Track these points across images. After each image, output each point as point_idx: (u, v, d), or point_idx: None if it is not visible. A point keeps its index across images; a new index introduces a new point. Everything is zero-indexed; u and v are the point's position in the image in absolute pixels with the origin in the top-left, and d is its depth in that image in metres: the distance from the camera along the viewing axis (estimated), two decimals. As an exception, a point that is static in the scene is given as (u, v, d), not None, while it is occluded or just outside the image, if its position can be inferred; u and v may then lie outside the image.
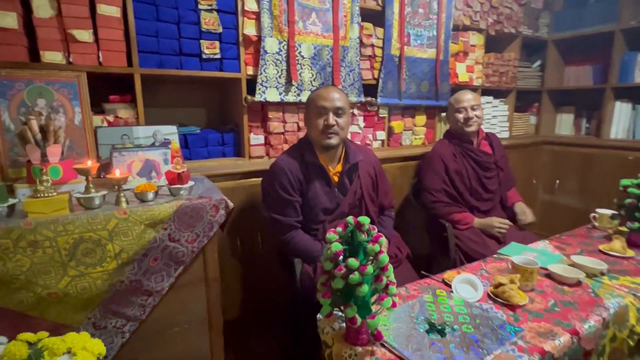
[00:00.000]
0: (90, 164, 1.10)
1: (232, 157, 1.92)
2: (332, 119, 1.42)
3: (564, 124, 3.41)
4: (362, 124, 2.25)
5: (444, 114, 2.62)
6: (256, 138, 1.90)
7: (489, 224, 1.86)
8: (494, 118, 3.00)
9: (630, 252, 1.47)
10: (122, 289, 1.14)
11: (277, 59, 1.85)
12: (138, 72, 1.58)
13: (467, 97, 1.96)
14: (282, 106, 1.94)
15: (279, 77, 1.87)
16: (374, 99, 2.23)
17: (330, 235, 0.87)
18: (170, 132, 1.63)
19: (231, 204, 1.29)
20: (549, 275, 1.28)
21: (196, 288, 1.30)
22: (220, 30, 1.73)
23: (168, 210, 1.16)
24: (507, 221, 1.87)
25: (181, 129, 1.82)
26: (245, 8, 1.75)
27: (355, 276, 0.82)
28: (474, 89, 2.78)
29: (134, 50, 1.56)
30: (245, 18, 1.76)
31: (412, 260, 1.67)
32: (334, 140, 1.44)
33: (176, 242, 1.19)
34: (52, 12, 1.41)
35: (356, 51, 2.10)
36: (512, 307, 1.09)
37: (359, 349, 0.90)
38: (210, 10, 1.70)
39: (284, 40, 1.84)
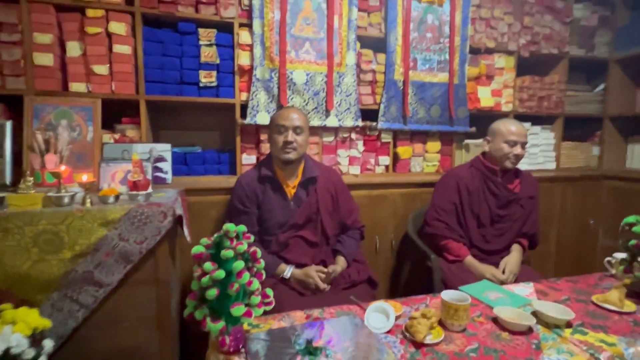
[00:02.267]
0: (63, 168, 1.34)
1: (226, 175, 2.08)
2: (290, 136, 1.53)
3: (637, 157, 2.87)
4: (361, 148, 2.24)
5: (467, 141, 2.45)
6: (248, 158, 2.04)
7: (480, 272, 1.66)
8: (533, 147, 2.68)
9: (630, 306, 1.18)
10: (76, 277, 1.32)
11: (269, 86, 1.99)
12: (143, 98, 1.87)
13: (522, 131, 1.75)
14: (275, 129, 2.06)
15: (270, 102, 2.01)
16: (373, 123, 2.21)
17: (202, 239, 0.92)
18: (164, 149, 1.86)
19: (178, 212, 1.42)
20: (496, 320, 1.11)
21: (147, 287, 1.43)
22: (218, 61, 1.95)
23: (120, 212, 1.34)
24: (502, 278, 1.62)
25: (183, 148, 2.06)
26: (240, 42, 1.95)
27: (205, 279, 0.85)
28: (504, 115, 2.55)
29: (140, 80, 1.85)
30: (240, 50, 1.96)
31: (374, 286, 1.59)
32: (292, 155, 1.54)
33: (125, 241, 1.35)
34: (79, 52, 1.77)
35: (353, 77, 2.13)
36: (417, 344, 0.97)
37: (221, 356, 0.91)
38: (209, 45, 1.94)
39: (275, 68, 1.98)
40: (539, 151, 2.72)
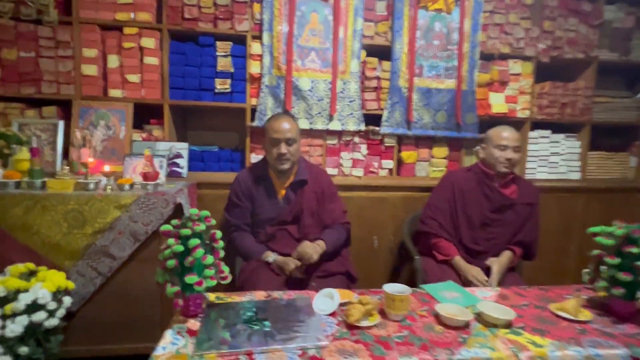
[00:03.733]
0: (91, 160, 1.64)
1: (237, 172, 2.29)
2: (283, 148, 1.62)
3: (682, 169, 2.62)
4: (364, 152, 2.34)
5: (477, 147, 2.43)
6: (256, 157, 2.24)
7: (464, 273, 1.69)
8: (554, 156, 2.57)
9: (587, 315, 1.17)
10: (95, 250, 1.61)
11: (276, 92, 2.18)
12: (167, 102, 2.16)
13: (513, 136, 1.77)
14: (281, 131, 2.25)
15: (277, 107, 2.20)
16: (376, 127, 2.30)
17: (172, 220, 1.12)
18: (182, 147, 2.14)
19: (179, 201, 1.65)
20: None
21: (152, 264, 1.67)
22: (232, 70, 2.18)
23: (131, 198, 1.60)
24: (483, 280, 1.65)
25: (201, 147, 2.32)
26: (251, 52, 2.17)
27: (167, 251, 1.05)
28: (519, 122, 2.50)
29: (165, 87, 2.15)
30: (251, 60, 2.18)
31: (353, 281, 1.69)
32: (286, 166, 1.66)
33: (135, 222, 1.61)
34: (117, 64, 2.11)
35: (357, 84, 2.25)
36: (352, 326, 1.08)
37: (181, 317, 1.10)
38: (225, 56, 2.18)
39: (282, 76, 2.17)
40: (561, 160, 2.60)
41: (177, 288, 1.05)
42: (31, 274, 1.48)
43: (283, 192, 1.72)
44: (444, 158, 2.45)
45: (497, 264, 1.71)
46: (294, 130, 1.66)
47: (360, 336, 1.04)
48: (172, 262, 1.05)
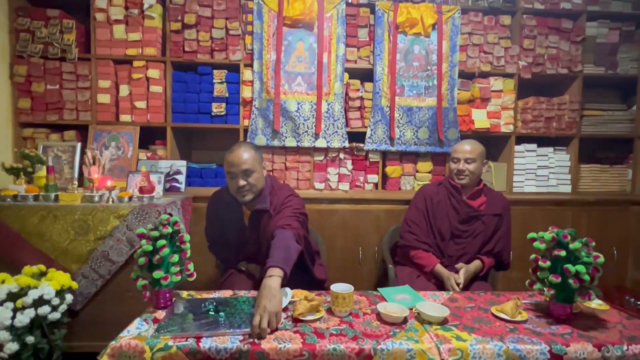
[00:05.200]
0: (96, 176, 1.89)
1: (232, 187, 2.50)
2: (241, 181, 1.54)
3: (680, 181, 2.57)
4: (350, 167, 2.48)
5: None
6: (248, 173, 2.44)
7: (445, 276, 1.77)
8: (542, 169, 2.61)
9: (523, 316, 1.24)
10: (97, 254, 1.83)
11: (265, 113, 2.39)
12: (170, 125, 2.42)
13: (464, 148, 1.88)
14: (272, 149, 2.45)
15: (266, 127, 2.40)
16: (360, 144, 2.45)
17: (148, 225, 1.32)
18: (181, 165, 2.37)
19: (169, 212, 1.86)
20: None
21: (146, 268, 1.89)
22: (227, 95, 2.43)
23: (128, 209, 1.83)
24: (454, 284, 1.73)
25: (201, 165, 2.55)
26: (244, 79, 2.41)
27: (139, 250, 1.24)
28: (503, 137, 2.57)
29: (168, 111, 2.41)
30: (244, 85, 2.41)
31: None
32: (247, 197, 1.58)
33: (131, 230, 1.83)
34: (127, 92, 2.40)
35: (341, 104, 2.42)
36: (297, 319, 1.21)
37: (151, 309, 1.27)
38: (221, 83, 2.43)
39: (271, 99, 2.38)
40: (550, 173, 2.62)
41: (145, 282, 1.23)
42: (42, 274, 1.72)
43: (248, 214, 1.66)
44: (429, 172, 2.54)
45: (464, 267, 1.79)
46: (251, 160, 1.55)
47: (301, 328, 1.16)
48: (142, 260, 1.23)
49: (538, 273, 1.25)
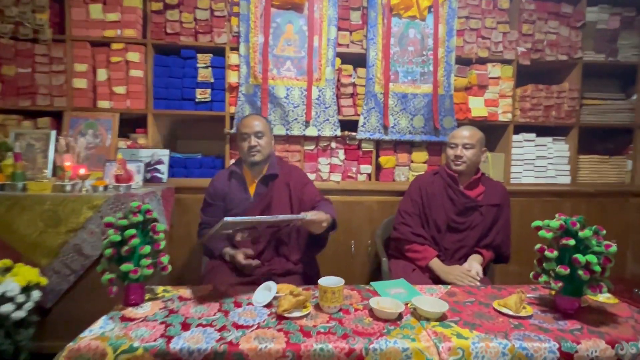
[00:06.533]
0: (67, 164, 1.76)
1: (218, 178, 2.38)
2: (253, 140, 1.68)
3: (681, 172, 2.50)
4: (342, 157, 2.37)
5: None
6: (235, 163, 2.32)
7: (445, 274, 1.64)
8: (541, 159, 2.52)
9: (528, 311, 1.14)
10: (69, 248, 1.70)
11: (253, 100, 2.27)
12: (151, 112, 2.28)
13: (462, 134, 1.80)
14: (260, 138, 2.32)
15: (254, 113, 2.27)
16: (352, 133, 2.34)
17: (117, 213, 1.19)
18: (163, 154, 2.24)
19: (147, 202, 1.73)
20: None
21: (123, 262, 1.76)
22: (212, 80, 2.29)
23: (102, 199, 1.69)
24: (473, 274, 1.60)
25: (185, 154, 2.41)
26: (230, 63, 2.27)
27: (105, 241, 1.11)
28: (501, 126, 2.48)
29: (149, 97, 2.27)
30: (230, 70, 2.28)
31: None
32: (257, 158, 1.69)
33: (105, 222, 1.70)
34: (106, 77, 2.25)
35: (332, 91, 2.31)
36: (282, 316, 1.10)
37: (121, 306, 1.15)
38: (206, 67, 2.29)
39: (259, 85, 2.25)
40: (549, 164, 2.54)
41: (111, 275, 1.10)
42: (7, 269, 1.58)
43: (254, 186, 1.74)
44: (424, 162, 2.44)
45: (472, 259, 1.70)
46: (263, 125, 1.71)
47: (286, 326, 1.05)
48: (109, 251, 1.11)
49: (544, 264, 1.15)
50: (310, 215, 1.39)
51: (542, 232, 1.17)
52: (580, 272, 1.06)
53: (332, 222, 1.51)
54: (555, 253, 1.11)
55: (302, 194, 1.74)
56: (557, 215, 1.17)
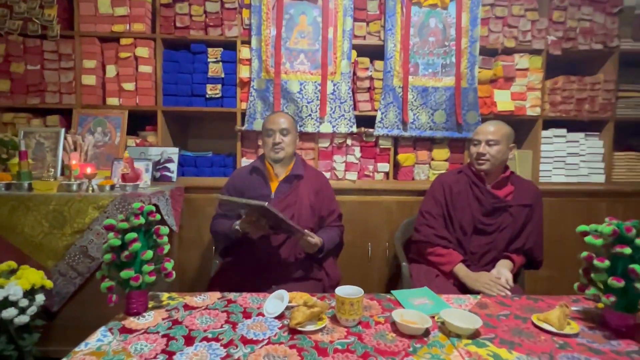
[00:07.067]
0: (74, 162, 1.69)
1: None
2: (278, 137, 1.64)
3: None
4: (358, 154, 2.25)
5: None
6: (246, 162, 2.23)
7: (472, 280, 1.51)
8: (572, 157, 2.34)
9: (573, 328, 1.00)
10: (75, 250, 1.63)
11: (265, 95, 2.17)
12: (160, 109, 2.21)
13: (486, 129, 1.65)
14: (272, 135, 2.22)
15: (266, 110, 2.18)
16: (368, 129, 2.21)
17: (119, 215, 1.11)
18: (172, 152, 2.17)
19: (154, 202, 1.65)
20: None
21: (130, 265, 1.69)
22: (223, 75, 2.21)
23: (108, 199, 1.62)
24: (503, 282, 1.46)
25: (195, 153, 2.34)
26: (241, 57, 2.18)
27: (105, 245, 1.03)
28: (529, 121, 2.31)
29: (159, 94, 2.20)
30: (241, 65, 2.19)
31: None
32: (280, 155, 1.65)
33: (112, 223, 1.63)
34: (115, 73, 2.19)
35: (348, 85, 2.19)
36: (295, 330, 0.99)
37: (122, 315, 1.07)
38: (216, 62, 2.21)
39: (271, 79, 2.16)
40: (581, 162, 2.36)
41: (110, 283, 1.02)
42: (12, 272, 1.52)
43: (276, 184, 1.67)
44: (445, 160, 2.30)
45: (501, 264, 1.57)
46: (289, 122, 1.68)
47: (299, 341, 0.95)
48: (108, 256, 1.02)
49: (592, 275, 1.01)
50: (311, 239, 1.47)
51: (589, 238, 1.03)
52: (638, 284, 0.92)
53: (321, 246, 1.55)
54: (607, 263, 0.97)
55: (322, 206, 1.69)
56: (606, 219, 1.03)
